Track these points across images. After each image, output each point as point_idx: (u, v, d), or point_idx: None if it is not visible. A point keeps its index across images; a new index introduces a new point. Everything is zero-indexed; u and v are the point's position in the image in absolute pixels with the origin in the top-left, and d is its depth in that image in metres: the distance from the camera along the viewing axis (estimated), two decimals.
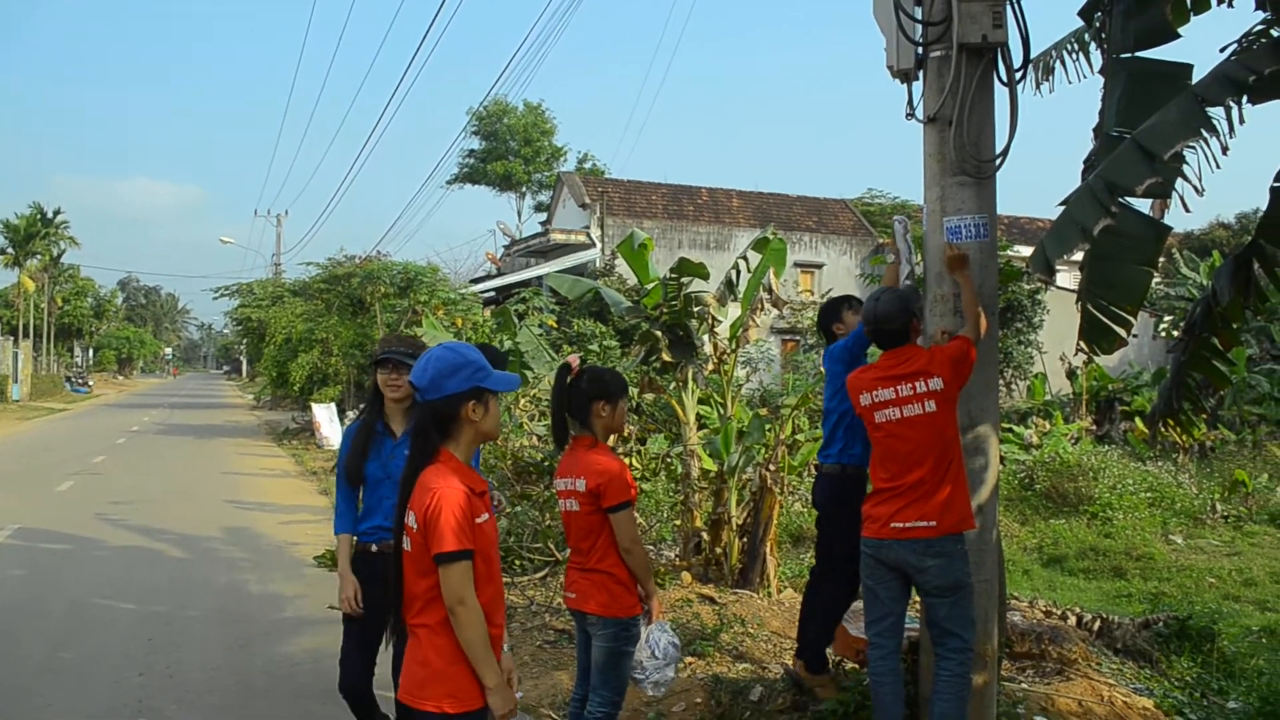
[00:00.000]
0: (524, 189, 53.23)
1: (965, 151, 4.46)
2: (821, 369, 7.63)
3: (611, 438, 4.53)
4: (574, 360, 4.42)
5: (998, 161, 4.52)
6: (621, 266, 26.56)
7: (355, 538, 4.44)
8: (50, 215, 61.98)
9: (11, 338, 50.56)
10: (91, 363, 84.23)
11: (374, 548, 4.37)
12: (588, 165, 51.69)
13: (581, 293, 9.27)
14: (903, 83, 4.63)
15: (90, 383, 63.06)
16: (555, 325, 22.15)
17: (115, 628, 7.48)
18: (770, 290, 7.87)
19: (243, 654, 6.87)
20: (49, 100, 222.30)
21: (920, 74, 4.63)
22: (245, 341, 49.32)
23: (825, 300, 5.81)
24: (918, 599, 4.46)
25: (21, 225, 60.19)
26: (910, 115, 4.65)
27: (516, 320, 16.41)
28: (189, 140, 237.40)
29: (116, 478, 16.86)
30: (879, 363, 4.48)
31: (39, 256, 62.05)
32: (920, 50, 4.56)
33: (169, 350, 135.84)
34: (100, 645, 7.02)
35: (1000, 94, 4.51)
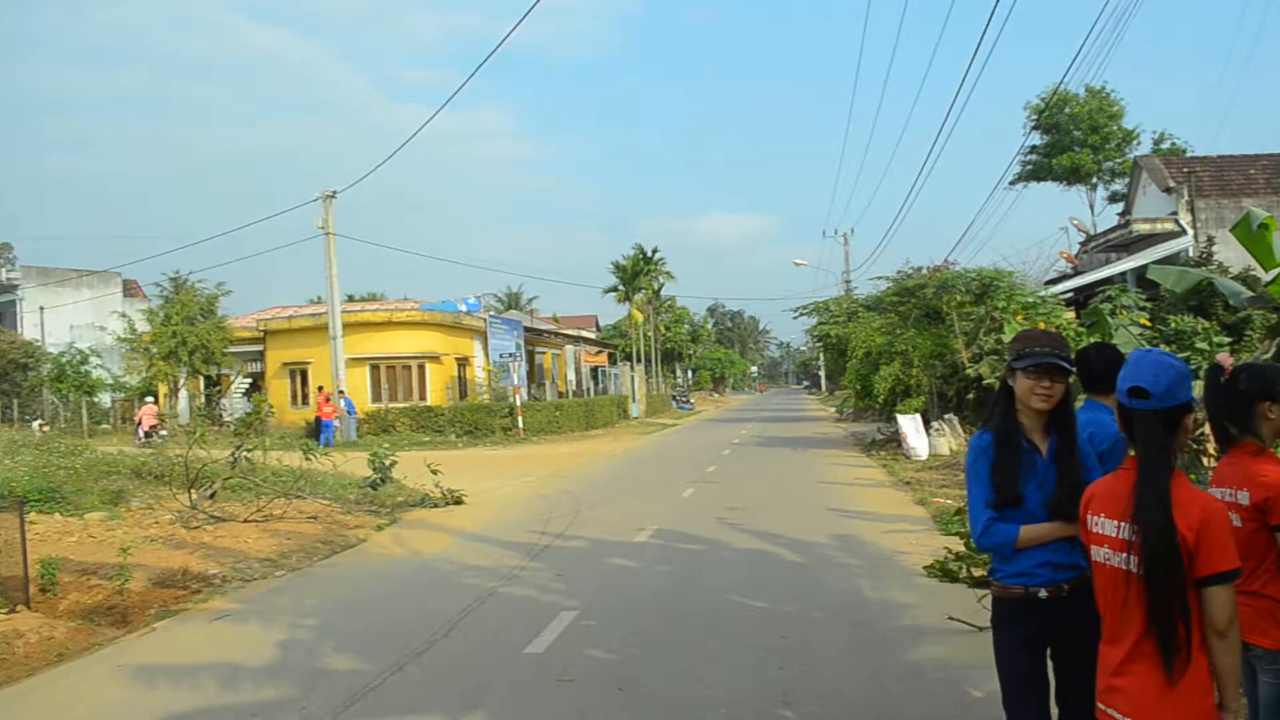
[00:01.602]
0: (1094, 180, 49.47)
1: None
2: None
3: None
4: (1225, 359, 3.96)
5: None
6: (1222, 253, 23.54)
7: (1002, 581, 3.73)
8: (650, 254, 70.33)
9: (628, 363, 58.07)
10: (691, 382, 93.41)
11: (1043, 593, 3.61)
12: (1165, 145, 46.70)
13: (1191, 284, 8.35)
14: None
15: (692, 400, 69.99)
16: (1149, 324, 20.26)
17: (750, 622, 8.13)
18: None
19: (872, 657, 7.09)
20: (639, 157, 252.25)
21: None
22: (824, 356, 51.56)
23: None
24: None
25: (629, 265, 69.18)
26: None
27: (1110, 320, 15.25)
28: (756, 173, 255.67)
29: (728, 486, 18.47)
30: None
31: (643, 291, 70.57)
32: None
33: (754, 368, 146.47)
34: (740, 637, 7.67)
35: None
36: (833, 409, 56.34)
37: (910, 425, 23.71)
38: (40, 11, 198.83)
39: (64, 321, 55.29)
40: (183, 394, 40.43)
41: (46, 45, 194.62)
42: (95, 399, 46.05)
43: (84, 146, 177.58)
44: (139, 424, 36.96)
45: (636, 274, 69.12)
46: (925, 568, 9.94)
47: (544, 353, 51.28)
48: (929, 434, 23.23)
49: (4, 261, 76.38)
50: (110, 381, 47.26)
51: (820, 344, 43.93)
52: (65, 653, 7.88)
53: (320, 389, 34.29)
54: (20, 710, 6.67)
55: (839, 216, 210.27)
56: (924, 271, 27.46)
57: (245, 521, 13.91)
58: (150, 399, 41.80)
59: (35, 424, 38.97)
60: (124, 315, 41.74)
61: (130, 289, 61.93)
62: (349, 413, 33.68)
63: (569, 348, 54.21)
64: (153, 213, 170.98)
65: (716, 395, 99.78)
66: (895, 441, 25.14)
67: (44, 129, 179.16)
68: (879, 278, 36.34)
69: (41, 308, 54.41)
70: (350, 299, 58.75)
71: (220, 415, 37.84)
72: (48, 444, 21.49)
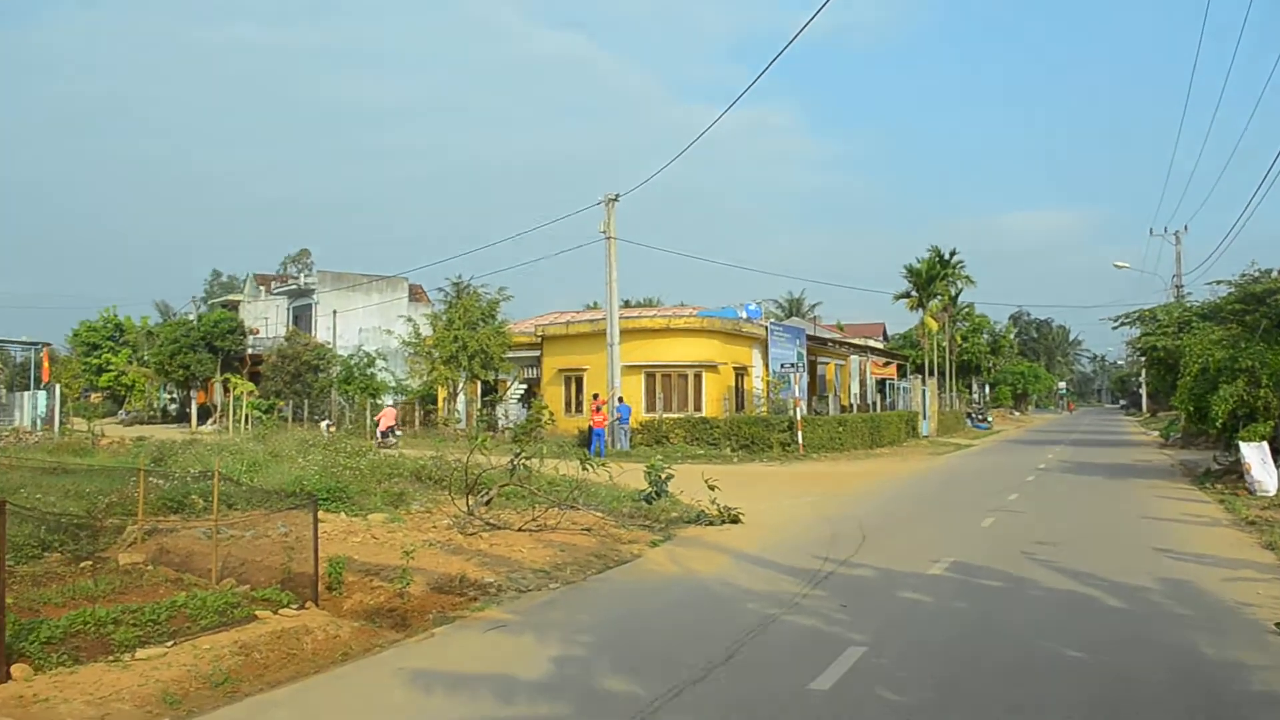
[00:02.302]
0: None
1: None
2: None
3: None
4: None
5: None
6: None
7: None
8: (947, 256, 68.06)
9: (919, 376, 56.52)
10: (988, 398, 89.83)
11: None
12: None
13: None
14: None
15: (989, 418, 67.28)
16: None
17: (1063, 675, 7.61)
18: None
19: None
20: (932, 151, 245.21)
21: None
22: (1148, 372, 48.08)
23: None
24: None
25: (923, 269, 67.19)
26: None
27: None
28: (1069, 164, 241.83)
29: (1033, 516, 17.54)
30: None
31: (939, 297, 68.40)
32: None
33: (1062, 384, 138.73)
34: (1051, 691, 7.19)
35: None
36: (1156, 433, 52.58)
37: (1255, 455, 21.64)
38: (339, 21, 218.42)
39: (354, 325, 60.42)
40: (461, 398, 42.99)
41: (351, 56, 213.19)
42: (379, 401, 49.92)
43: (382, 155, 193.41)
44: (378, 424, 40.09)
45: (931, 278, 67.01)
46: (1278, 624, 9.02)
47: (826, 363, 50.83)
48: (1278, 465, 21.15)
49: (303, 267, 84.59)
50: (393, 384, 51.12)
51: (1144, 358, 40.89)
52: (349, 652, 8.51)
53: (595, 397, 35.55)
54: (308, 708, 7.24)
55: (1169, 212, 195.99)
56: (1275, 275, 25.01)
57: (520, 530, 14.55)
58: (389, 401, 44.98)
59: (323, 424, 42.77)
60: (409, 319, 44.92)
61: (416, 294, 66.88)
62: (622, 421, 34.67)
63: (854, 358, 53.47)
64: (443, 220, 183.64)
65: (1017, 414, 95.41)
66: (1236, 473, 23.02)
67: (343, 136, 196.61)
68: (1218, 282, 33.41)
69: (334, 311, 59.70)
70: (626, 304, 60.64)
71: (497, 421, 40.06)
72: (334, 444, 23.46)
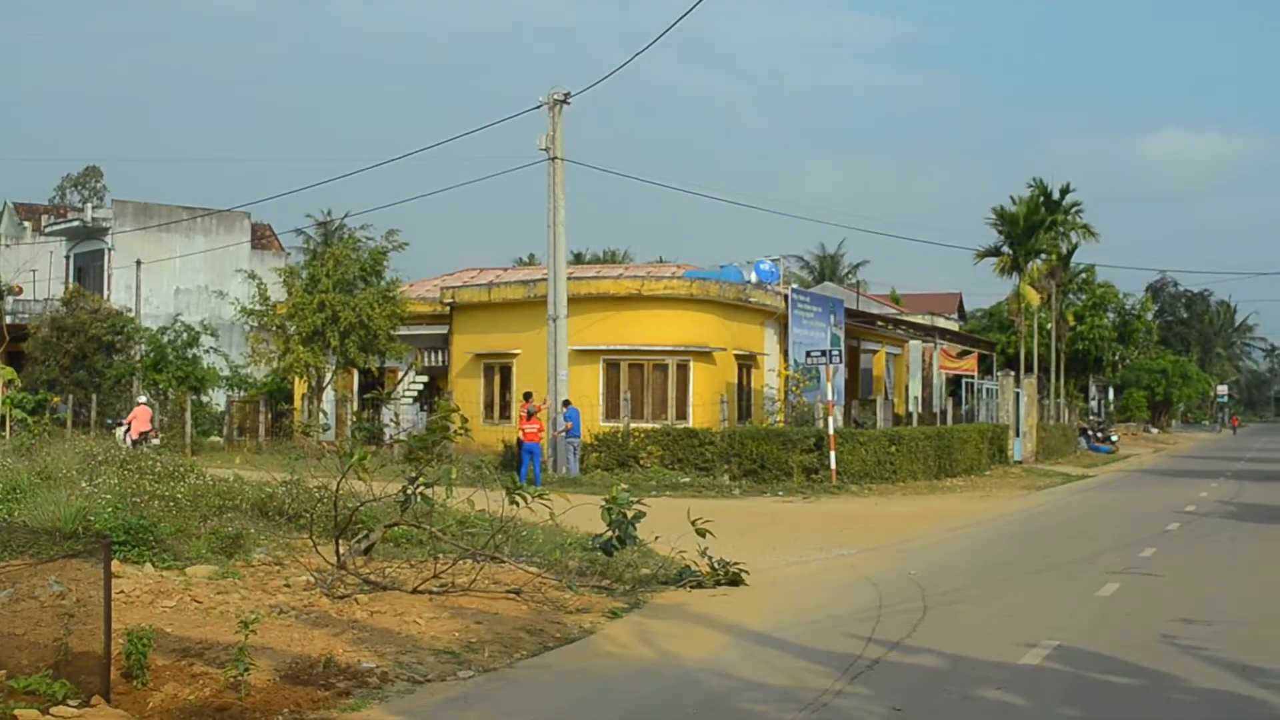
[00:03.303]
0: None
1: None
2: None
3: None
4: None
5: None
6: None
7: None
8: (1056, 196, 67.40)
9: (1011, 372, 56.44)
10: (1113, 407, 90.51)
11: None
12: None
13: None
14: None
15: (1114, 437, 67.87)
16: None
17: None
18: None
19: None
20: (1038, 41, 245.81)
21: None
22: None
23: None
24: None
25: (1020, 213, 65.90)
26: None
27: None
28: (1248, 64, 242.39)
29: (1176, 581, 17.72)
30: None
31: (1043, 256, 67.78)
32: None
33: (1223, 388, 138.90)
34: None
35: None
36: None
37: None
38: None
39: (168, 283, 59.96)
40: (328, 395, 42.82)
41: None
42: (206, 398, 49.59)
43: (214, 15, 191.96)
44: (126, 427, 39.81)
45: (1033, 228, 66.18)
46: None
47: (874, 351, 51.17)
48: None
49: (90, 194, 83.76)
50: (227, 374, 50.80)
51: None
52: None
53: (527, 397, 35.50)
54: None
55: None
56: None
57: (416, 591, 14.51)
58: (143, 398, 44.69)
59: (120, 430, 42.39)
60: (252, 276, 44.56)
61: (262, 237, 66.56)
62: (570, 434, 34.66)
63: (914, 344, 53.74)
64: (305, 126, 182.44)
65: (1154, 430, 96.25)
66: None
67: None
68: None
69: (138, 261, 59.05)
70: (578, 259, 60.68)
71: (383, 429, 39.91)
72: (137, 461, 23.27)
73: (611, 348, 38.64)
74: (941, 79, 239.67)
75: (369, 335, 40.10)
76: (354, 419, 40.84)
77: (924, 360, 54.67)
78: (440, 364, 43.51)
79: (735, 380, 39.80)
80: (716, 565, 16.47)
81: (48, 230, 67.34)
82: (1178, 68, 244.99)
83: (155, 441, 39.54)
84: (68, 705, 9.32)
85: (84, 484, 19.16)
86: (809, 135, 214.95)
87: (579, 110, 35.96)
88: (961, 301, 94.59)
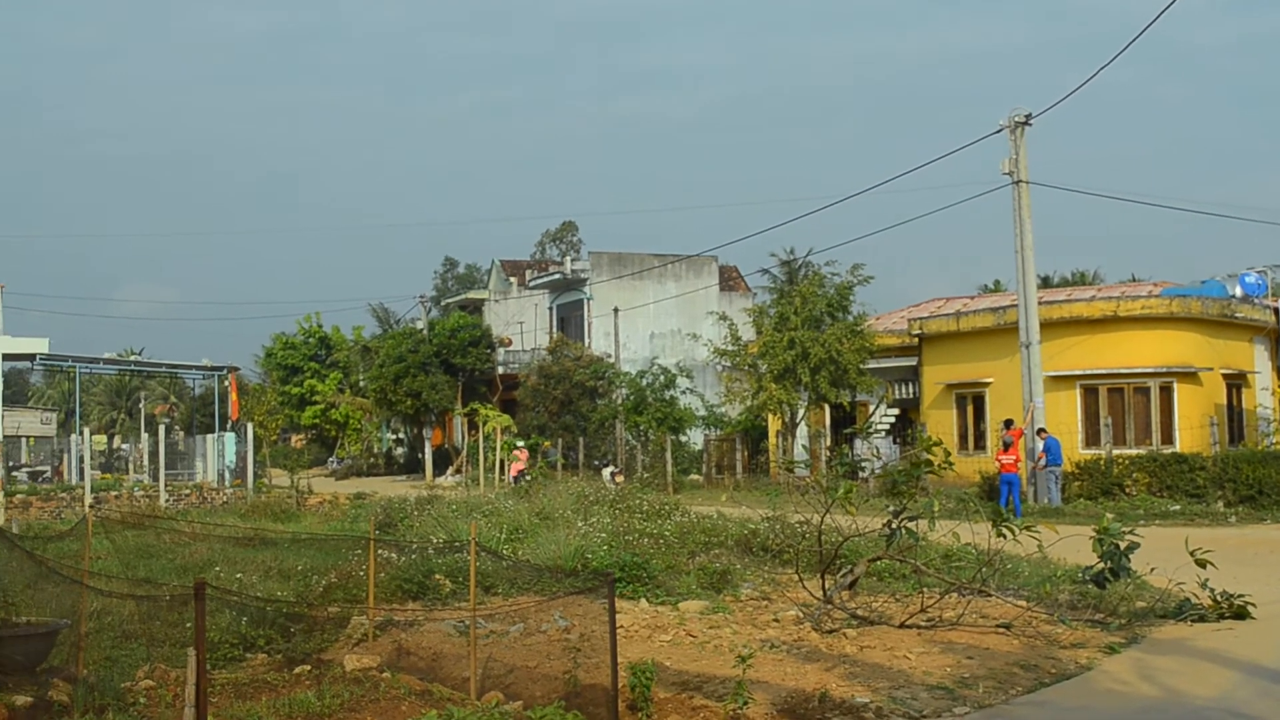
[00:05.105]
0: None
1: None
2: None
3: None
4: None
5: None
6: None
7: None
8: None
9: None
10: None
11: None
12: None
13: None
14: None
15: None
16: None
17: None
18: None
19: None
20: None
21: None
22: None
23: None
24: None
25: None
26: None
27: None
28: None
29: None
30: None
31: None
32: None
33: None
34: None
35: None
36: None
37: None
38: None
39: (642, 329, 62.02)
40: (801, 430, 43.23)
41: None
42: (684, 438, 50.95)
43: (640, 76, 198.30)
44: (512, 471, 42.73)
45: None
46: None
47: None
48: None
49: (568, 248, 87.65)
50: (703, 413, 52.05)
51: None
52: None
53: (1008, 424, 34.72)
54: None
55: None
56: None
57: (903, 626, 14.46)
58: (520, 443, 46.52)
59: (606, 471, 44.16)
60: (722, 317, 45.41)
61: (729, 279, 67.98)
62: (1050, 462, 33.79)
63: None
64: (752, 178, 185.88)
65: None
66: None
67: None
68: None
69: (616, 309, 61.19)
70: (1045, 283, 59.24)
71: (859, 463, 39.89)
72: (625, 500, 24.12)
73: (1088, 372, 37.62)
74: None
75: (839, 370, 40.30)
76: (829, 454, 41.07)
77: None
78: (910, 396, 43.29)
79: (1224, 401, 37.97)
80: (1219, 598, 15.70)
81: (531, 284, 70.66)
82: None
83: (528, 478, 41.59)
84: None
85: (579, 523, 20.08)
86: None
87: (1035, 132, 35.21)
88: None
